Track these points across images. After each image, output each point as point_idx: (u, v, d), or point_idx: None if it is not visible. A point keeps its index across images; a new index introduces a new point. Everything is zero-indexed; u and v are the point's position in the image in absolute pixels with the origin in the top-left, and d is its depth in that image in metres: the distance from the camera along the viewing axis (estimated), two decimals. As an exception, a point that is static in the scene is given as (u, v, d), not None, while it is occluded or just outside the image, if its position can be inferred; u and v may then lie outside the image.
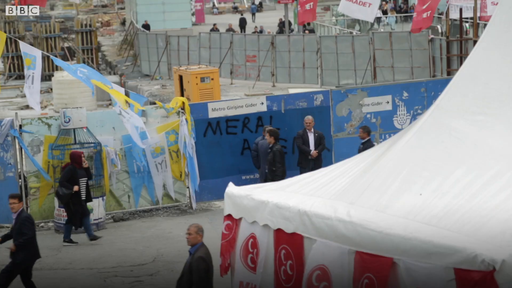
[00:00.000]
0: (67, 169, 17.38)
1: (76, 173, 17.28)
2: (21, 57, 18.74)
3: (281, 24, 53.40)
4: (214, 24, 53.64)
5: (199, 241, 10.63)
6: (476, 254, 7.49)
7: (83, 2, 77.07)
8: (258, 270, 10.16)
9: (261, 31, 50.10)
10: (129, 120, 17.96)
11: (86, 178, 17.47)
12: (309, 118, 19.33)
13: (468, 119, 9.28)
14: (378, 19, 54.57)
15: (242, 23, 58.67)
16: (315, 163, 18.78)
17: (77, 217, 17.22)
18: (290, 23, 52.56)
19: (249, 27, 59.07)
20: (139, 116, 18.40)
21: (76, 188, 17.15)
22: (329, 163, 17.74)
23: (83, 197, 17.34)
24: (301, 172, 18.18)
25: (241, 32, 53.65)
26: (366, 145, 18.04)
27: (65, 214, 18.22)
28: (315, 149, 19.14)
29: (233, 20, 61.47)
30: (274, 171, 18.01)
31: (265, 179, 18.02)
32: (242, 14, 65.97)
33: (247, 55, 38.34)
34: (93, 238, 17.32)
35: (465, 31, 35.32)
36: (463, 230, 7.98)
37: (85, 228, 17.37)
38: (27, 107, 36.47)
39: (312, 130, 19.30)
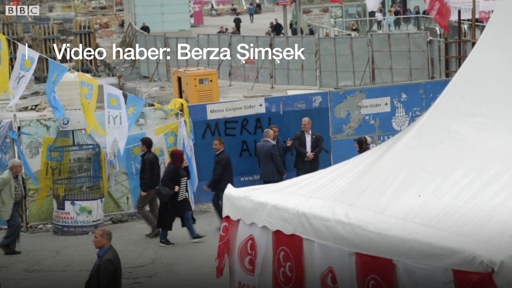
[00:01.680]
0: (170, 168, 17.03)
1: (178, 173, 17.03)
2: (19, 58, 18.73)
3: (272, 28, 53.07)
4: (221, 27, 53.52)
5: (105, 244, 10.90)
6: (475, 255, 7.49)
7: (81, 3, 77.10)
8: (256, 272, 10.15)
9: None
10: (114, 129, 17.98)
11: (186, 178, 17.28)
12: (305, 119, 19.32)
13: (466, 120, 9.28)
14: (378, 22, 54.69)
15: (237, 22, 58.80)
16: (311, 165, 18.75)
17: (169, 218, 16.98)
18: (281, 26, 52.54)
19: (248, 29, 59.06)
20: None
21: (177, 188, 16.87)
22: (328, 164, 17.73)
23: (181, 197, 17.08)
24: (298, 174, 18.19)
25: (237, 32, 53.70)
26: (220, 157, 17.85)
27: (63, 216, 18.23)
28: (311, 151, 19.12)
29: (232, 21, 61.51)
30: (143, 179, 17.70)
31: (265, 181, 18.01)
32: (237, 15, 66.10)
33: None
34: (196, 236, 17.22)
35: (464, 32, 35.30)
36: (462, 231, 7.97)
37: (188, 228, 17.21)
38: (26, 108, 36.49)
39: (310, 132, 19.29)
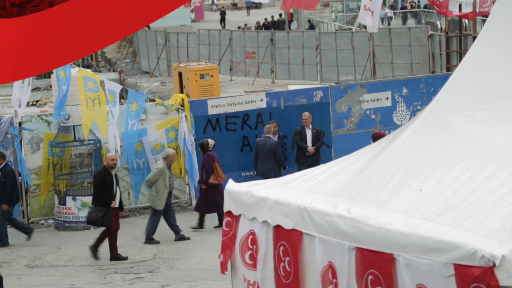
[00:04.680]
0: None
1: None
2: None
3: (259, 28, 52.87)
4: (243, 25, 53.21)
5: None
6: (476, 249, 7.48)
7: None
8: (258, 267, 10.15)
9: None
10: (112, 123, 18.05)
11: None
12: (306, 114, 19.37)
13: (467, 114, 9.27)
14: (389, 18, 54.82)
15: (223, 15, 59.02)
16: (313, 160, 18.79)
17: None
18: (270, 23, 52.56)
19: (244, 23, 58.99)
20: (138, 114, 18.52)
21: None
22: (329, 159, 17.77)
23: None
24: (299, 169, 18.20)
25: (221, 26, 53.60)
26: (7, 169, 17.36)
27: (65, 211, 18.25)
28: (312, 145, 19.15)
29: (232, 16, 61.49)
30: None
31: (264, 177, 17.98)
32: (222, 8, 66.32)
33: (247, 51, 38.34)
34: None
35: (465, 26, 35.27)
36: (463, 226, 7.97)
37: None
38: (27, 104, 36.44)
39: (310, 126, 19.32)
